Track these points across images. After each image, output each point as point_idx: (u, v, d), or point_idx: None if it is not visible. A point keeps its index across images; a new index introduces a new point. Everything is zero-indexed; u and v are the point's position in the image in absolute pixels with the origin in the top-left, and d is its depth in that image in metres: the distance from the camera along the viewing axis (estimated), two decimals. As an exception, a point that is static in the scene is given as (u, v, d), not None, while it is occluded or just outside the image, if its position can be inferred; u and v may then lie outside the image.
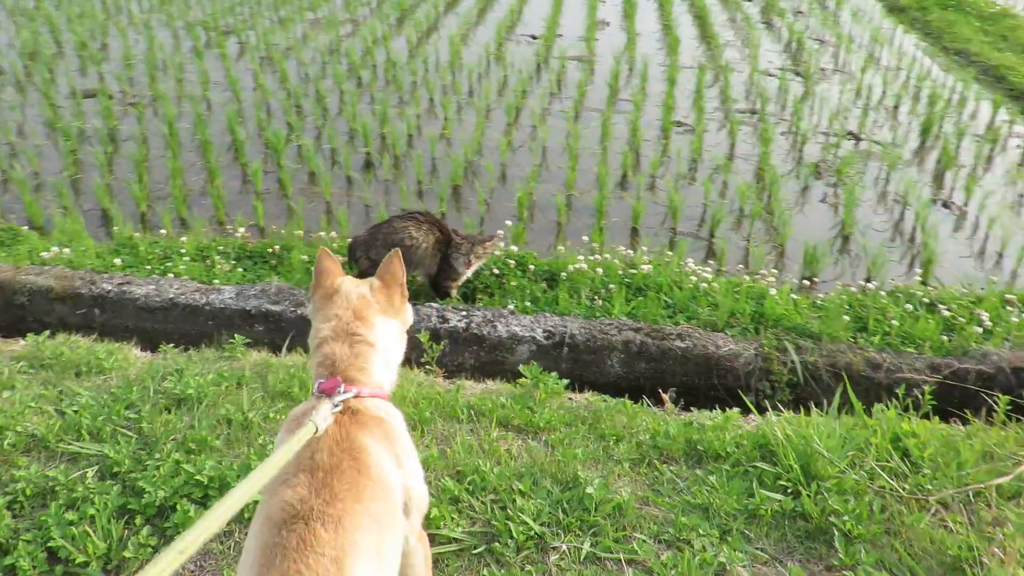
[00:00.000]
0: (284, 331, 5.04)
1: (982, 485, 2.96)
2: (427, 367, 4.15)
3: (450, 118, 9.40)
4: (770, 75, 11.25)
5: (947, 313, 5.31)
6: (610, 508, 2.87)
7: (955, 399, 4.55)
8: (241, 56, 11.74)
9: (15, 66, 10.98)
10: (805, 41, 12.93)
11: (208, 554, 2.67)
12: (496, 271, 5.74)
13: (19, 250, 6.20)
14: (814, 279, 6.34)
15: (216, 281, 5.59)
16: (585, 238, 6.51)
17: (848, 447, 3.15)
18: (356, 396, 1.96)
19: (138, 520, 2.72)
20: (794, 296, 5.47)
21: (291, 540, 1.58)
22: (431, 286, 5.61)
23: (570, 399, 3.88)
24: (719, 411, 3.63)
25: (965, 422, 3.70)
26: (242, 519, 2.74)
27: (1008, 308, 5.38)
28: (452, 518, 2.81)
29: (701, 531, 2.78)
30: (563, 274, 5.68)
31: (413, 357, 4.29)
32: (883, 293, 5.58)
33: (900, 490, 2.97)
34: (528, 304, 5.39)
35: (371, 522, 1.72)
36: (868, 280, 6.09)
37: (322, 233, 6.52)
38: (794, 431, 3.20)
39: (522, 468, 3.11)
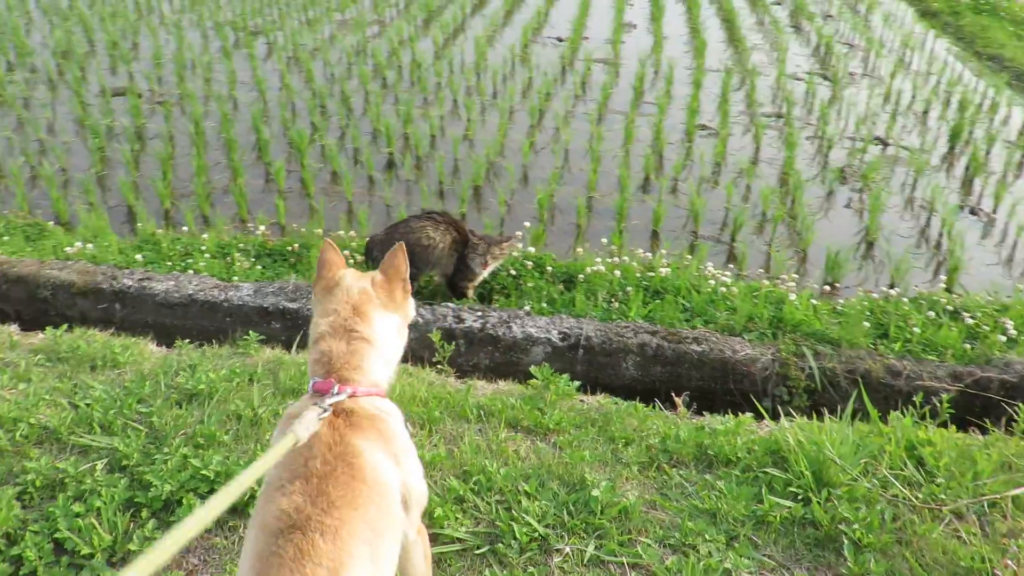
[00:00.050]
0: (301, 328, 5.07)
1: (998, 496, 2.90)
2: (439, 366, 4.15)
3: (473, 119, 9.41)
4: (797, 79, 11.14)
5: (971, 321, 5.21)
6: (616, 511, 2.85)
7: (976, 408, 4.46)
8: (269, 56, 11.84)
9: (48, 65, 11.17)
10: (834, 45, 12.79)
11: (212, 549, 2.68)
12: (513, 272, 5.73)
13: (44, 245, 6.29)
14: (836, 285, 6.26)
15: (235, 278, 5.63)
16: (604, 240, 6.48)
17: (861, 454, 3.10)
18: (351, 396, 1.94)
19: (144, 513, 2.74)
20: (814, 301, 5.40)
21: (288, 550, 1.58)
22: (448, 286, 5.61)
23: (582, 401, 3.86)
24: (731, 415, 3.58)
25: (985, 432, 3.63)
26: (247, 514, 2.75)
27: (1035, 317, 5.28)
28: (456, 518, 2.80)
29: (707, 536, 2.75)
30: (581, 276, 5.65)
31: (425, 356, 4.29)
32: (905, 300, 5.49)
33: (913, 499, 2.92)
34: (544, 306, 5.37)
35: (367, 529, 1.71)
36: (892, 287, 6.00)
37: (341, 232, 6.55)
38: (806, 437, 3.15)
39: (529, 469, 3.10)
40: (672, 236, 7.00)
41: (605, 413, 3.60)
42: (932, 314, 5.26)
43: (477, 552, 2.67)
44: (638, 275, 5.70)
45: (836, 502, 2.88)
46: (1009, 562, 2.53)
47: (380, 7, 14.94)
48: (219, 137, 8.68)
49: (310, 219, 7.07)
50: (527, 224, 6.72)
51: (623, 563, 2.65)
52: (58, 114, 9.60)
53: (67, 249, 6.01)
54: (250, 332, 4.28)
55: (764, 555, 2.71)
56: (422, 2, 14.93)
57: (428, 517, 2.77)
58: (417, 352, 4.93)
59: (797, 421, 3.45)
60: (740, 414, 3.61)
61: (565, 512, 2.84)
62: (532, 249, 6.03)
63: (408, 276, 2.24)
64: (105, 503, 2.73)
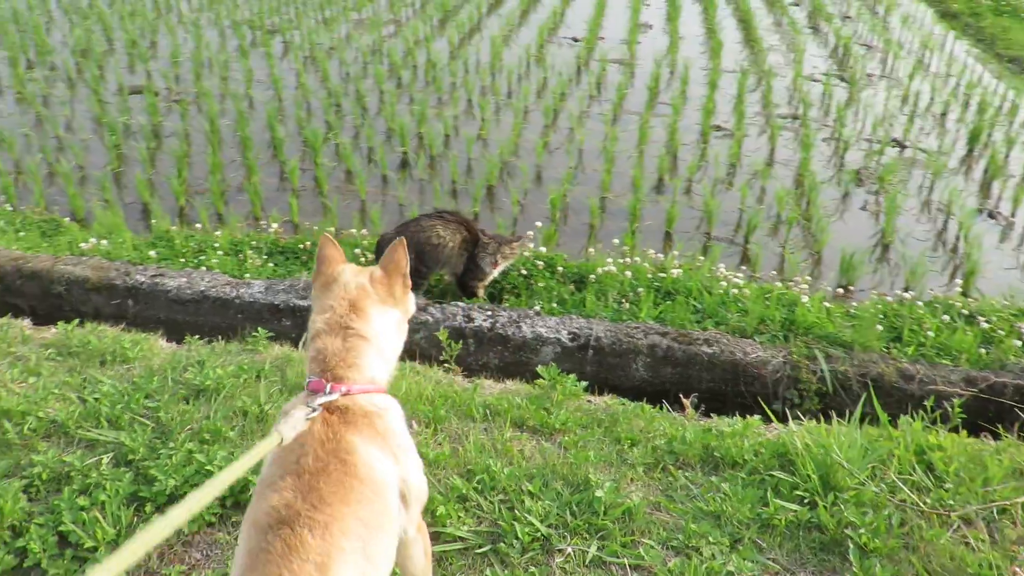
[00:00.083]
0: (310, 326, 5.08)
1: (1008, 502, 2.86)
2: (446, 365, 4.14)
3: (488, 119, 9.41)
4: (814, 80, 11.06)
5: (986, 325, 5.15)
6: (619, 512, 2.83)
7: (990, 413, 4.41)
8: (285, 55, 11.89)
9: (67, 63, 11.26)
10: (852, 46, 12.69)
11: (215, 544, 2.69)
12: (524, 272, 5.72)
13: (60, 241, 6.35)
14: (850, 287, 6.21)
15: (247, 275, 5.65)
16: (616, 241, 6.46)
17: (869, 458, 3.07)
18: (346, 394, 1.93)
19: (148, 508, 2.75)
20: (827, 304, 5.35)
21: (276, 545, 1.57)
22: (458, 285, 5.61)
23: (589, 401, 3.84)
24: (739, 418, 3.56)
25: (997, 437, 3.58)
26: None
27: (1052, 322, 5.21)
28: (459, 516, 2.79)
29: (711, 539, 2.72)
30: (592, 276, 5.63)
31: (433, 354, 4.29)
32: (920, 303, 5.43)
33: (921, 504, 2.88)
34: (555, 306, 5.36)
35: (359, 525, 1.70)
36: (906, 290, 5.95)
37: (353, 230, 6.57)
38: (814, 440, 3.12)
39: (534, 469, 3.08)
40: (685, 237, 6.96)
41: (612, 414, 3.58)
42: (947, 318, 5.21)
43: (479, 551, 2.66)
44: (649, 276, 5.67)
45: (843, 506, 2.85)
46: (1018, 569, 2.50)
47: (396, 7, 14.97)
48: (234, 135, 8.73)
49: (323, 217, 7.09)
50: (538, 224, 6.71)
51: (625, 564, 2.63)
52: (76, 112, 9.68)
53: (82, 245, 6.06)
54: (259, 329, 4.29)
55: (768, 559, 2.69)
56: (438, 2, 14.95)
57: (430, 515, 2.76)
58: (426, 351, 4.94)
59: (805, 424, 3.42)
60: (748, 416, 3.58)
61: (568, 512, 2.82)
62: (543, 249, 6.02)
63: (408, 271, 2.23)
64: (110, 497, 2.74)
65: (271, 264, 5.94)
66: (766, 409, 3.74)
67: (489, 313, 5.17)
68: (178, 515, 1.41)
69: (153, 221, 6.77)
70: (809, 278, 6.01)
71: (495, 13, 14.72)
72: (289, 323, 5.19)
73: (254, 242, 6.24)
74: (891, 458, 3.13)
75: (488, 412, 3.53)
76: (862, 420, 3.44)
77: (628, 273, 5.65)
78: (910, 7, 15.93)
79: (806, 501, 2.93)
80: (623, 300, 5.44)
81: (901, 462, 3.11)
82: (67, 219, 6.92)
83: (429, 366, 4.17)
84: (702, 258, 6.19)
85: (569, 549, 2.67)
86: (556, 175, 7.98)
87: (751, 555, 2.67)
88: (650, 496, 2.99)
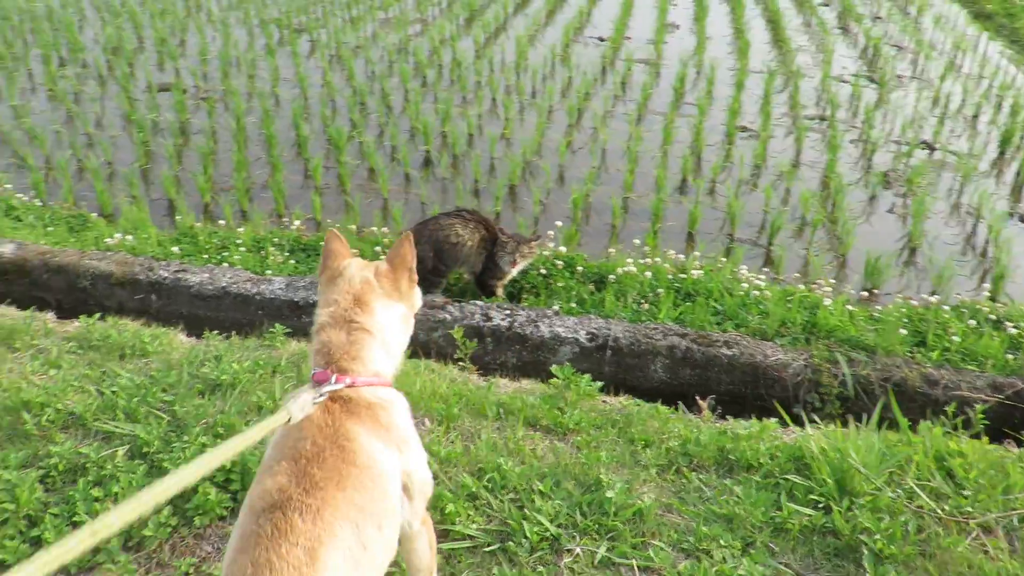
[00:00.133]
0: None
1: (1029, 511, 2.80)
2: (461, 363, 4.14)
3: (511, 118, 9.40)
4: (843, 81, 10.93)
5: (1014, 331, 5.05)
6: (630, 513, 2.80)
7: (1016, 420, 4.32)
8: (312, 54, 11.97)
9: (98, 60, 11.42)
10: (882, 47, 12.53)
11: (226, 537, 2.71)
12: (543, 272, 5.70)
13: (87, 236, 6.43)
14: (875, 291, 6.12)
15: (268, 272, 5.69)
16: (637, 241, 6.42)
17: (887, 463, 3.02)
18: (350, 386, 1.93)
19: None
20: (850, 307, 5.28)
21: (267, 528, 1.58)
22: (476, 284, 5.61)
23: (604, 402, 3.82)
24: (755, 420, 3.52)
25: (1021, 444, 3.51)
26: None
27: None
28: (468, 515, 2.78)
29: (722, 542, 2.69)
30: (611, 277, 5.60)
31: (450, 353, 4.29)
32: (946, 307, 5.34)
33: (940, 511, 2.83)
34: (574, 306, 5.34)
35: (354, 511, 1.69)
36: (933, 294, 5.85)
37: (375, 228, 6.59)
38: (830, 444, 3.07)
39: (545, 468, 3.07)
40: (708, 238, 6.91)
41: (626, 415, 3.56)
42: (973, 323, 5.11)
43: (487, 549, 2.65)
44: (670, 277, 5.63)
45: (858, 511, 2.80)
46: (1037, 579, 2.44)
47: (423, 5, 15.02)
48: (260, 133, 8.80)
49: (345, 215, 7.12)
50: (558, 223, 6.69)
51: (634, 566, 2.61)
52: (106, 109, 9.82)
53: (107, 240, 6.14)
54: (276, 325, 4.31)
55: (781, 563, 2.65)
56: (465, 1, 14.97)
57: (439, 513, 2.76)
58: (444, 349, 4.94)
59: (822, 428, 3.37)
60: (765, 419, 3.53)
61: (578, 512, 2.81)
62: (564, 249, 5.99)
63: (414, 266, 2.23)
64: (123, 489, 2.77)
65: (292, 261, 5.97)
66: (782, 413, 3.68)
67: (507, 312, 5.16)
68: (186, 475, 1.43)
69: (178, 217, 6.84)
70: (832, 281, 5.93)
71: (521, 13, 14.72)
72: (309, 319, 5.18)
73: (276, 239, 6.28)
74: (909, 464, 3.07)
75: (501, 411, 3.52)
76: (883, 425, 3.38)
77: (648, 274, 5.61)
78: (943, 8, 15.69)
79: (821, 506, 2.88)
80: (643, 301, 5.40)
81: (920, 468, 3.06)
82: (94, 215, 7.02)
83: (444, 364, 4.17)
84: (724, 260, 6.13)
85: (578, 549, 2.65)
86: (579, 175, 7.95)
87: (763, 559, 2.64)
88: (662, 498, 2.96)
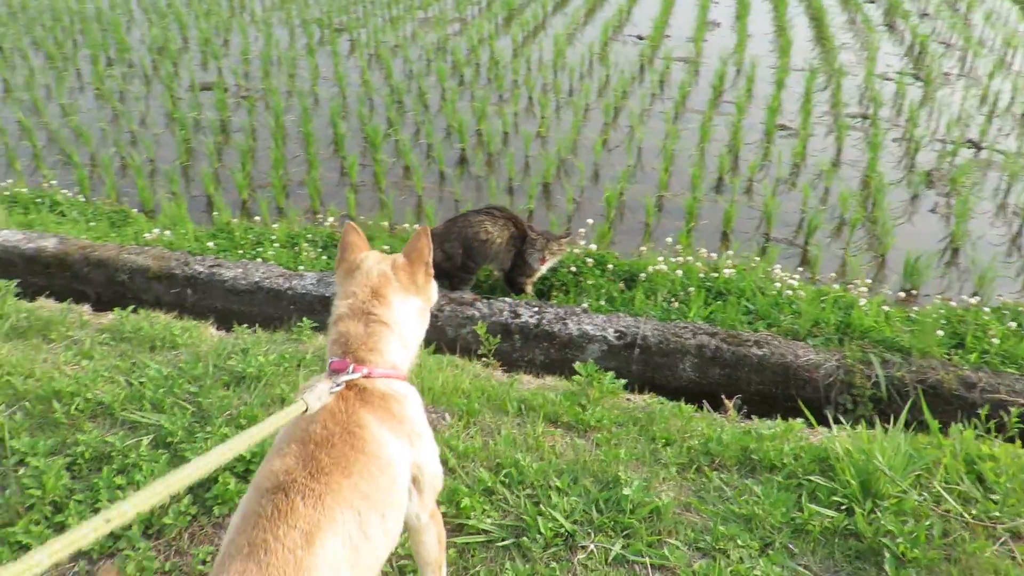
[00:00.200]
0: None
1: (1061, 517, 2.71)
2: (484, 359, 4.14)
3: (547, 117, 9.39)
4: (887, 79, 10.72)
5: (1057, 334, 4.90)
6: (647, 511, 2.77)
7: (1056, 425, 4.19)
8: (351, 53, 12.08)
9: (144, 60, 11.67)
10: (929, 44, 12.25)
11: (243, 525, 2.74)
12: (573, 269, 5.67)
13: (127, 231, 6.57)
14: (914, 292, 5.99)
15: (301, 267, 5.75)
16: (669, 240, 6.36)
17: (914, 466, 2.94)
18: (366, 376, 1.94)
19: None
20: (886, 308, 5.16)
21: (268, 509, 1.59)
22: (505, 281, 5.60)
23: (628, 400, 3.79)
24: (780, 421, 3.46)
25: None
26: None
27: None
28: (483, 509, 2.77)
29: (740, 542, 2.65)
30: (642, 275, 5.56)
31: (476, 349, 4.29)
32: (986, 309, 5.20)
33: (967, 515, 2.75)
34: (603, 303, 5.30)
35: (358, 499, 1.70)
36: (974, 295, 5.71)
37: (407, 225, 6.62)
38: (855, 446, 3.01)
39: (564, 465, 3.05)
40: (743, 238, 6.82)
41: (649, 413, 3.52)
42: (1014, 325, 4.97)
43: (501, 544, 2.64)
44: (701, 275, 5.57)
45: (881, 514, 2.74)
46: (1065, 587, 2.36)
47: (462, 5, 15.07)
48: (298, 131, 8.90)
49: (380, 212, 7.17)
50: (589, 221, 6.66)
51: (649, 564, 2.58)
52: (150, 107, 10.02)
53: (146, 235, 6.26)
54: (304, 319, 4.36)
55: (800, 564, 2.60)
56: (504, 0, 14.98)
57: (455, 507, 2.76)
58: (472, 345, 4.94)
59: (848, 429, 3.30)
60: (791, 419, 3.47)
61: (594, 509, 2.78)
62: (595, 247, 5.96)
63: (430, 260, 2.23)
64: (145, 477, 2.82)
65: (325, 257, 6.03)
66: (807, 414, 3.61)
67: (536, 309, 5.14)
68: (203, 465, 1.44)
69: (215, 213, 6.95)
70: (869, 281, 5.81)
71: (560, 12, 14.69)
72: (338, 315, 5.25)
73: (310, 235, 6.35)
74: (938, 467, 3.00)
75: (523, 407, 3.51)
76: (913, 427, 3.30)
77: (679, 272, 5.56)
78: (994, 3, 15.29)
79: (843, 508, 2.82)
80: (673, 299, 5.35)
81: (948, 471, 2.98)
82: (135, 210, 7.17)
83: (469, 360, 4.17)
84: (757, 259, 6.05)
85: (592, 546, 2.63)
86: (614, 173, 7.91)
87: (781, 560, 2.59)
88: (681, 496, 2.93)
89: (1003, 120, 9.50)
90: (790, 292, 5.35)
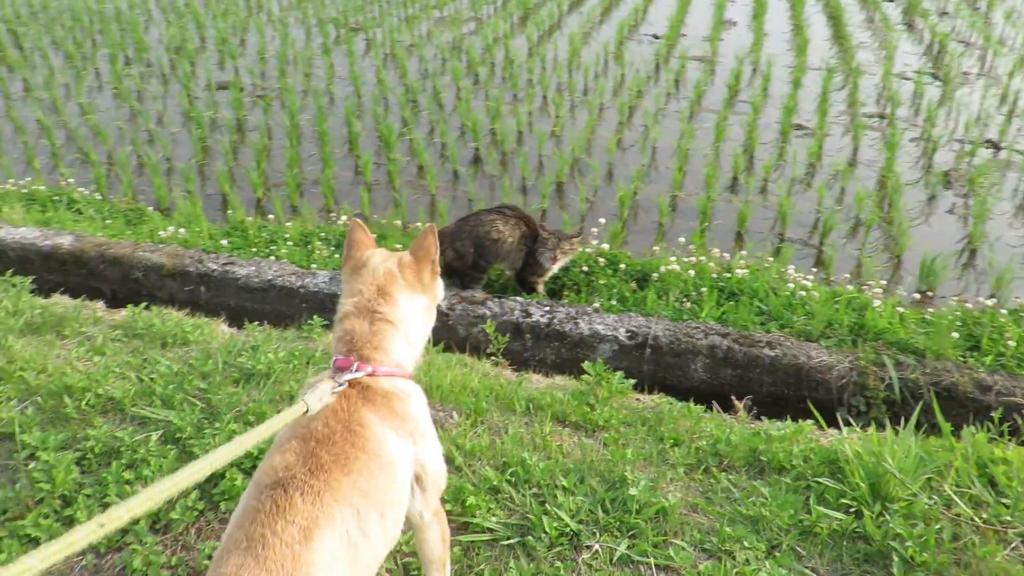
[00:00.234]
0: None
1: (1074, 522, 2.67)
2: (493, 358, 4.13)
3: (562, 116, 9.38)
4: (905, 78, 10.62)
5: (1075, 336, 4.83)
6: (653, 511, 2.76)
7: (1073, 429, 4.13)
8: (367, 52, 12.11)
9: (161, 60, 11.75)
10: (948, 43, 12.13)
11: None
12: (585, 269, 5.66)
13: (142, 229, 6.62)
14: (929, 293, 5.93)
15: (314, 266, 5.77)
16: (682, 239, 6.34)
17: (925, 469, 2.91)
18: (370, 375, 1.95)
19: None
20: (901, 309, 5.12)
21: (267, 505, 1.60)
22: (517, 281, 5.60)
23: (638, 399, 3.78)
24: (790, 422, 3.43)
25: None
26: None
27: None
28: (489, 508, 2.77)
29: (747, 543, 2.63)
30: (654, 275, 5.54)
31: (483, 348, 4.28)
32: (1003, 311, 5.14)
33: (977, 519, 2.72)
34: (614, 303, 5.29)
35: (357, 496, 1.70)
36: (991, 297, 5.64)
37: (419, 224, 6.63)
38: (865, 448, 2.98)
39: (570, 464, 3.04)
40: (757, 238, 6.78)
41: (658, 413, 3.51)
42: (1031, 327, 4.91)
43: (506, 543, 2.63)
44: (714, 276, 5.54)
45: (891, 517, 2.71)
46: (1077, 593, 2.33)
47: (478, 4, 15.08)
48: (313, 130, 8.94)
49: (394, 211, 7.19)
50: (602, 220, 6.64)
51: (654, 564, 2.56)
52: (167, 106, 10.09)
53: (160, 233, 6.30)
54: (315, 317, 4.37)
55: (807, 567, 2.58)
56: None
57: (460, 505, 2.75)
58: (483, 344, 4.94)
59: (858, 431, 3.27)
60: (801, 421, 3.45)
61: (600, 509, 2.77)
62: (607, 246, 5.95)
63: (437, 258, 2.22)
64: (153, 472, 2.84)
65: (337, 255, 6.04)
66: (817, 415, 3.58)
67: (547, 309, 5.14)
68: (201, 467, 1.46)
69: (230, 212, 6.99)
70: (884, 282, 5.76)
71: (576, 11, 14.67)
72: (350, 313, 5.26)
73: (323, 233, 6.37)
74: (949, 470, 2.96)
75: (531, 406, 3.50)
76: (923, 429, 3.27)
77: (692, 272, 5.53)
78: (1015, 2, 15.11)
79: (852, 510, 2.80)
80: (685, 299, 5.33)
81: (960, 474, 2.94)
82: (151, 208, 7.22)
83: (479, 359, 4.17)
84: (771, 259, 6.01)
85: (597, 546, 2.62)
86: (628, 173, 7.89)
87: (788, 562, 2.57)
88: (688, 497, 2.91)
89: (1023, 120, 9.38)
90: (803, 293, 5.32)
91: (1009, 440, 3.22)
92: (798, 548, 2.66)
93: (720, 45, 12.04)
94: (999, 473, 2.94)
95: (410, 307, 2.13)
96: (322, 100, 9.73)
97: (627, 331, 4.93)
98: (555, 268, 5.43)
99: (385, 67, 11.24)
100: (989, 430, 3.22)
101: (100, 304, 4.75)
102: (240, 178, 8.01)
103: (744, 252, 6.04)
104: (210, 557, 2.58)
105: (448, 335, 5.03)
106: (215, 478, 2.85)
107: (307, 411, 1.77)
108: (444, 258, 5.45)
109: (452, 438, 3.16)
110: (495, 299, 5.23)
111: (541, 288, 5.55)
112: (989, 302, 5.34)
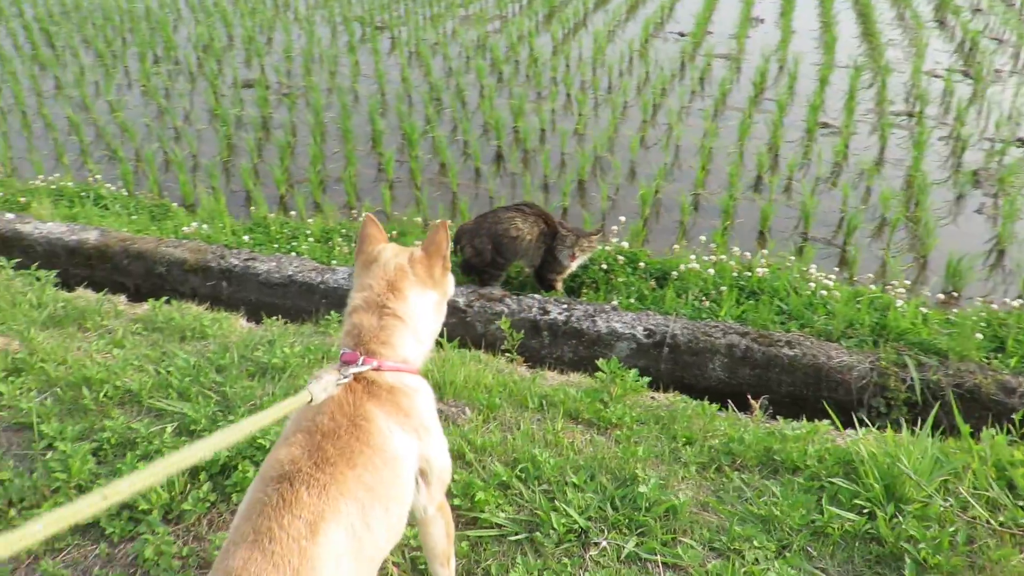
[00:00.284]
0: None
1: (1094, 526, 2.61)
2: (508, 355, 4.13)
3: (585, 114, 9.35)
4: (935, 76, 10.46)
5: (1104, 338, 4.73)
6: (662, 509, 2.74)
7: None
8: (392, 51, 12.16)
9: (189, 58, 11.88)
10: (980, 40, 11.93)
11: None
12: (604, 267, 5.64)
13: (166, 225, 6.70)
14: (955, 294, 5.84)
15: (334, 262, 5.81)
16: (703, 238, 6.29)
17: (941, 471, 2.86)
18: (376, 369, 1.95)
19: (202, 476, 2.85)
20: (924, 310, 5.04)
21: (273, 498, 1.61)
22: (535, 278, 5.59)
23: (652, 398, 3.76)
24: (806, 422, 3.39)
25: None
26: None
27: None
28: (498, 503, 2.77)
29: (756, 543, 2.60)
30: (674, 273, 5.51)
31: (501, 344, 4.28)
32: (1030, 312, 5.05)
33: (994, 522, 2.67)
34: (633, 301, 5.27)
35: (362, 490, 1.71)
36: (1019, 298, 5.54)
37: (439, 221, 6.64)
38: (880, 449, 2.94)
39: (581, 461, 3.03)
40: (780, 237, 6.72)
41: (672, 411, 3.48)
42: (1059, 329, 4.81)
43: (513, 539, 2.63)
44: (734, 274, 5.50)
45: (905, 519, 2.67)
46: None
47: (503, 2, 15.08)
48: (337, 128, 8.99)
49: (415, 208, 7.21)
50: (622, 219, 6.61)
51: (662, 562, 2.55)
52: (194, 104, 10.20)
53: (184, 229, 6.37)
54: (332, 312, 4.39)
55: (817, 567, 2.55)
56: (546, -2, 14.98)
57: (469, 500, 2.76)
58: (500, 341, 4.93)
59: (875, 432, 3.23)
60: (817, 421, 3.41)
61: (609, 506, 2.76)
62: (627, 244, 5.92)
63: (448, 253, 2.22)
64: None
65: (358, 252, 6.07)
66: (833, 416, 3.54)
67: (565, 306, 5.13)
68: (202, 448, 1.49)
69: (253, 208, 7.05)
70: (908, 282, 5.68)
71: (602, 8, 14.62)
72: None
73: (344, 230, 6.41)
74: (966, 472, 2.91)
75: (544, 403, 3.50)
76: (936, 429, 3.22)
77: (711, 271, 5.49)
78: (1051, -1, 14.84)
79: (866, 511, 2.76)
80: (704, 298, 5.29)
81: (977, 476, 2.89)
82: (176, 204, 7.30)
83: (495, 355, 4.17)
84: (793, 258, 5.95)
85: (604, 543, 2.60)
86: (650, 171, 7.85)
87: (798, 563, 2.54)
88: (699, 496, 2.89)
89: (1056, 119, 9.21)
90: (824, 292, 5.26)
91: (1030, 443, 3.17)
92: (809, 548, 2.63)
93: (747, 43, 11.95)
94: (1018, 476, 2.89)
95: (419, 302, 2.13)
96: (346, 98, 9.78)
97: (645, 329, 4.91)
98: (574, 266, 5.42)
99: (409, 65, 11.27)
100: (1009, 432, 3.17)
101: (122, 298, 4.81)
102: (264, 175, 8.08)
103: (766, 251, 5.99)
104: (220, 547, 2.60)
105: (466, 332, 5.04)
106: (227, 470, 2.88)
107: (311, 400, 1.78)
108: (463, 255, 5.46)
109: (464, 434, 3.17)
110: (513, 296, 5.23)
111: (560, 286, 5.54)
112: (1016, 303, 5.25)
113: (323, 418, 1.80)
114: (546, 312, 5.09)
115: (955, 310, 5.26)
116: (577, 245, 5.27)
